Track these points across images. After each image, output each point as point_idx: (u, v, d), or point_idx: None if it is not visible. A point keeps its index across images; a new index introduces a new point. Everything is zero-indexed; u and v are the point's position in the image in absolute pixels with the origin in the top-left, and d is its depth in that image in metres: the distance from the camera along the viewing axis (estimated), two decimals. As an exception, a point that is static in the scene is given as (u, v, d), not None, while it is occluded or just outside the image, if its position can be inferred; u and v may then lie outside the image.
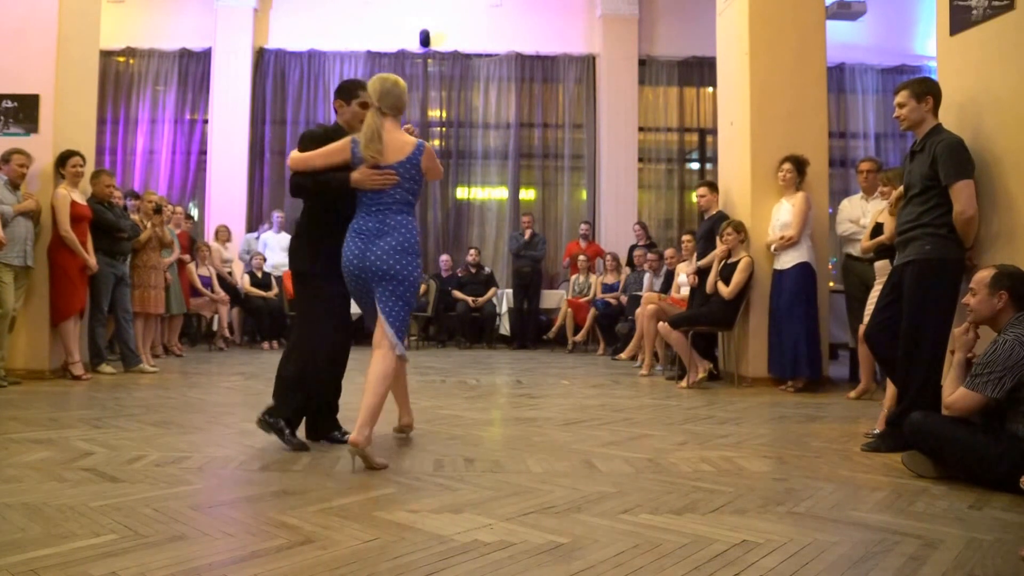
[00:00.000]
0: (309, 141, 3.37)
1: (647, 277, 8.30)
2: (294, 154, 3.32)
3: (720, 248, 5.88)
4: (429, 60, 10.74)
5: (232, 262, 9.37)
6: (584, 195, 10.86)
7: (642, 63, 10.73)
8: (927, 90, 3.53)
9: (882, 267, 4.37)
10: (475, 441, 3.58)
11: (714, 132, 9.61)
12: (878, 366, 4.87)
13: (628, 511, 2.41)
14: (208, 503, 2.47)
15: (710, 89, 10.56)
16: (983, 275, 2.97)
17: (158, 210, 6.83)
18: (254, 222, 10.35)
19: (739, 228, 5.80)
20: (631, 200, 10.54)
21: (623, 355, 7.80)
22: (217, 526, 2.20)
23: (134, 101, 10.42)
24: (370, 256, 3.10)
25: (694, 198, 7.81)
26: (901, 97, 3.57)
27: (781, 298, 5.58)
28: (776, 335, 5.60)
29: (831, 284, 6.29)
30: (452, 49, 10.66)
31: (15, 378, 5.35)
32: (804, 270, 5.51)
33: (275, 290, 9.10)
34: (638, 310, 7.12)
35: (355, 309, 3.58)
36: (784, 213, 5.62)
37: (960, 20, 3.68)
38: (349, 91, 3.52)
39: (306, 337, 3.38)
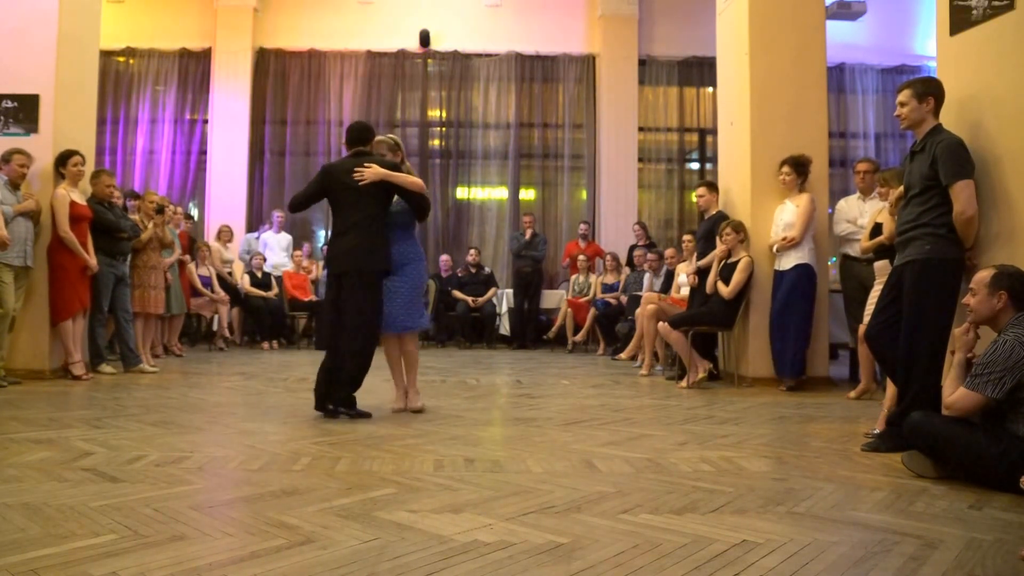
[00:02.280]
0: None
1: (647, 277, 8.30)
2: (419, 181, 4.33)
3: (720, 248, 5.88)
4: (429, 60, 10.74)
5: (232, 262, 9.36)
6: (584, 195, 10.86)
7: (642, 63, 10.73)
8: (929, 90, 3.52)
9: (882, 267, 4.36)
10: (475, 441, 3.58)
11: (714, 132, 9.61)
12: (878, 366, 4.87)
13: (628, 511, 2.41)
14: (208, 503, 2.47)
15: (710, 89, 10.56)
16: (983, 275, 2.96)
17: (160, 210, 6.83)
18: (254, 222, 10.35)
19: (738, 228, 5.80)
20: (631, 200, 10.54)
21: (623, 355, 7.80)
22: (217, 526, 2.20)
23: (134, 101, 10.42)
24: None
25: (694, 198, 7.81)
26: (903, 96, 3.57)
27: (779, 298, 5.59)
28: (773, 335, 5.61)
29: (837, 285, 6.28)
30: (452, 49, 10.66)
31: (15, 378, 5.35)
32: (804, 271, 5.51)
33: (275, 290, 9.09)
34: (638, 310, 7.12)
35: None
36: (788, 214, 5.62)
37: (960, 20, 3.68)
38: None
39: (374, 326, 4.22)
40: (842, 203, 5.94)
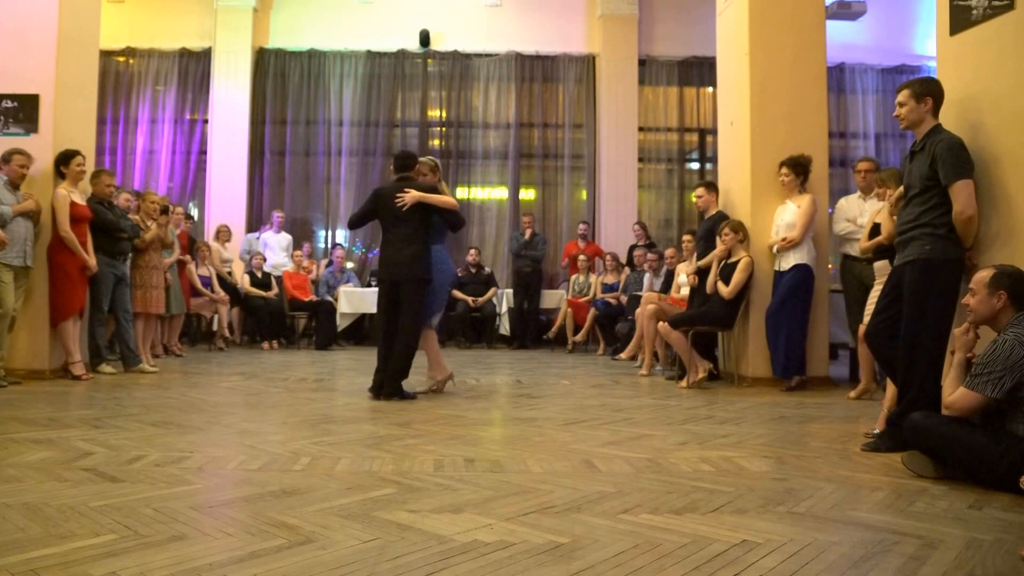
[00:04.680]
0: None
1: (647, 277, 8.30)
2: (452, 200, 5.02)
3: (719, 248, 5.88)
4: (429, 60, 10.74)
5: (232, 262, 9.36)
6: (584, 195, 10.86)
7: (642, 63, 10.73)
8: (927, 91, 3.53)
9: (881, 267, 4.36)
10: (475, 441, 3.58)
11: (714, 132, 9.61)
12: (878, 366, 4.87)
13: (628, 511, 2.41)
14: (208, 503, 2.48)
15: (710, 89, 10.56)
16: (982, 275, 2.96)
17: (165, 211, 6.83)
18: (254, 222, 10.35)
19: (738, 228, 5.79)
20: (631, 200, 10.54)
21: (623, 355, 7.80)
22: (217, 526, 2.20)
23: (134, 101, 10.41)
24: None
25: (694, 198, 7.82)
26: (901, 96, 3.58)
27: (776, 298, 5.59)
28: (768, 334, 5.62)
29: (838, 285, 6.28)
30: (452, 49, 10.66)
31: (15, 378, 5.35)
32: (802, 271, 5.51)
33: (275, 290, 9.09)
34: (638, 310, 7.12)
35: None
36: (789, 214, 5.61)
37: (960, 20, 3.68)
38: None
39: (418, 327, 4.91)
40: (842, 202, 5.94)
